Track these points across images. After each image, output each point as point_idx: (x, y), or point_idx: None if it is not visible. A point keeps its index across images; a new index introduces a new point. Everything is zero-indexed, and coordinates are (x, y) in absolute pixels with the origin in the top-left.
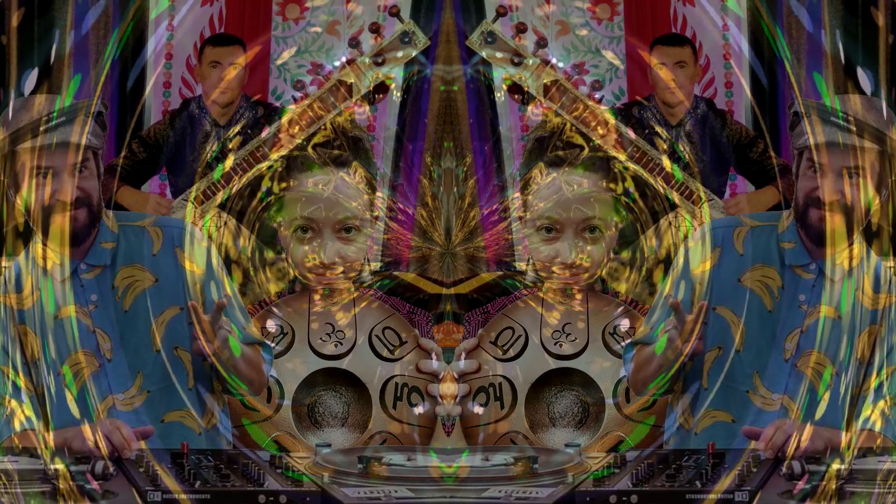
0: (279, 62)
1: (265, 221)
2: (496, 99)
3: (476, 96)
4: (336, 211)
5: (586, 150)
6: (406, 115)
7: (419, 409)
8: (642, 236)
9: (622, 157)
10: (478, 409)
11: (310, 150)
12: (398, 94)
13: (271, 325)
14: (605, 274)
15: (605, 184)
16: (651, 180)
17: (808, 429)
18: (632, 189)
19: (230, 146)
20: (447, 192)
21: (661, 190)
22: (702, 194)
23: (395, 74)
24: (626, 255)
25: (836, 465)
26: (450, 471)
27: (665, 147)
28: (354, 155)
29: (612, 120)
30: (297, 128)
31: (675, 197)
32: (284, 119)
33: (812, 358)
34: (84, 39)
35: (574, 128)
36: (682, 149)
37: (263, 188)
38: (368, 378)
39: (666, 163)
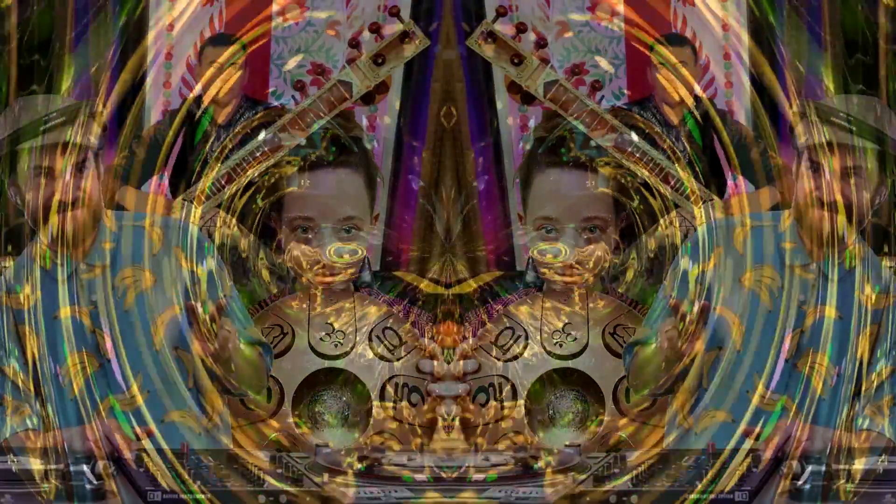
0: (285, 69)
1: (265, 221)
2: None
3: (475, 93)
4: (336, 211)
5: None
6: (406, 114)
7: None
8: (642, 236)
9: (622, 157)
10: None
11: (309, 150)
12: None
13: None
14: (605, 273)
15: (600, 183)
16: (651, 180)
17: (808, 429)
18: (631, 189)
19: (230, 146)
20: (447, 192)
21: (662, 190)
22: (702, 194)
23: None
24: (625, 255)
25: (835, 465)
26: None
27: (665, 147)
28: (354, 155)
29: (612, 120)
30: (296, 128)
31: (675, 197)
32: (284, 119)
33: (812, 358)
34: (83, 39)
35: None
36: (682, 149)
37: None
38: (368, 378)
39: (666, 163)
